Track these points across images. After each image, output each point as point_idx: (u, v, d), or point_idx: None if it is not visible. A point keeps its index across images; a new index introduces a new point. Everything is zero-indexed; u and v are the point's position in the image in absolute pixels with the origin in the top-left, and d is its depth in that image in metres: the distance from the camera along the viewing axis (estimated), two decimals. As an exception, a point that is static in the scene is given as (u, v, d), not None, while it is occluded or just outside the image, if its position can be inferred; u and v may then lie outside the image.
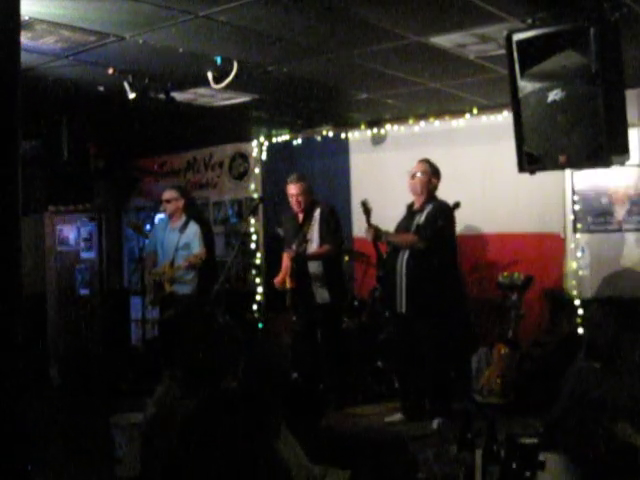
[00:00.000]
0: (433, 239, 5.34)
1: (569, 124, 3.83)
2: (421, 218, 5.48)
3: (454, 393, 5.57)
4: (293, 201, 6.14)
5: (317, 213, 6.05)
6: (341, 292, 6.27)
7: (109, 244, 8.64)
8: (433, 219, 5.42)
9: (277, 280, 6.19)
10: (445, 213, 5.47)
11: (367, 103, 6.45)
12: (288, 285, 6.03)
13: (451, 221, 5.49)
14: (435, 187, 5.62)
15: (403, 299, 5.43)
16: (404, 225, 5.61)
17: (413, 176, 5.60)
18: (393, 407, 5.83)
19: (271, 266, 7.71)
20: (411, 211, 5.64)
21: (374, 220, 5.63)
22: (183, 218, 6.92)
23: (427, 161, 5.68)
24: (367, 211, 5.54)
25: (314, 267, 6.03)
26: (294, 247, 5.94)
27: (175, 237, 6.79)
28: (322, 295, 6.02)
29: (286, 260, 6.19)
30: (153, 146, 8.47)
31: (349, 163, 7.58)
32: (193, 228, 6.83)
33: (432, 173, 5.61)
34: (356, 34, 4.45)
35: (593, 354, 3.31)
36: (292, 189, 6.12)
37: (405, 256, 5.44)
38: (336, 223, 6.12)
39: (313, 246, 6.04)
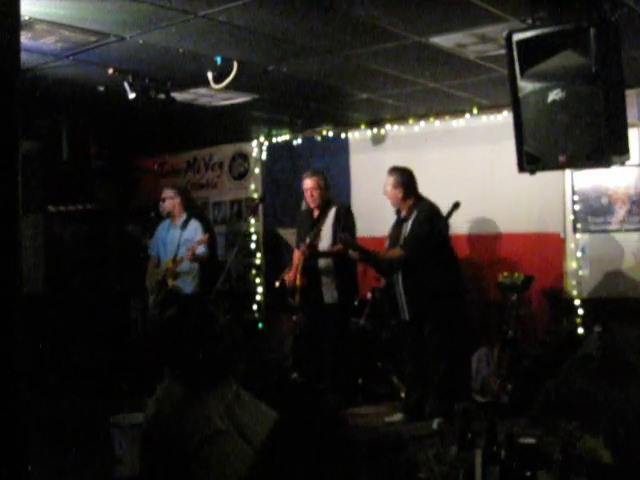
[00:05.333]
0: (419, 249, 5.32)
1: (569, 124, 3.83)
2: (407, 227, 5.47)
3: (454, 393, 5.57)
4: (307, 195, 6.10)
5: (332, 211, 6.02)
6: (351, 292, 6.20)
7: (109, 244, 8.64)
8: (418, 229, 5.40)
9: (289, 276, 6.13)
10: (429, 219, 5.42)
11: (367, 103, 6.45)
12: (298, 283, 5.99)
13: (438, 224, 5.40)
14: (413, 190, 5.56)
15: (405, 307, 5.46)
16: (394, 234, 5.60)
17: (385, 191, 5.60)
18: (393, 407, 5.83)
19: (271, 266, 7.72)
20: (400, 218, 5.63)
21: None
22: (184, 216, 6.98)
23: (394, 170, 5.61)
24: (353, 247, 5.60)
25: (324, 265, 5.98)
26: (307, 241, 5.86)
27: (177, 234, 6.84)
28: (331, 294, 5.98)
29: (297, 257, 6.17)
30: (153, 146, 8.47)
31: (349, 163, 7.58)
32: (194, 224, 6.90)
33: (401, 182, 5.53)
34: (356, 34, 4.45)
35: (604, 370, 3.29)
36: (307, 183, 6.08)
37: (400, 267, 5.46)
38: (352, 223, 6.06)
39: (325, 244, 5.97)
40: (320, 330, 6.08)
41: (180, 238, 6.81)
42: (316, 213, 6.12)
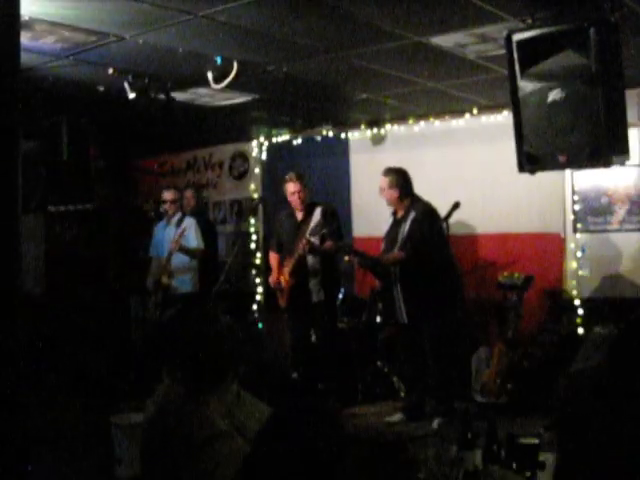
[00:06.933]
0: (418, 250, 5.32)
1: (569, 124, 3.83)
2: (405, 228, 5.45)
3: (454, 393, 5.57)
4: (295, 198, 6.09)
5: (318, 211, 6.02)
6: (336, 291, 6.29)
7: (109, 244, 8.65)
8: (416, 230, 5.37)
9: (272, 280, 6.17)
10: (426, 221, 5.40)
11: (367, 103, 6.45)
12: (284, 283, 6.01)
13: (435, 225, 5.39)
14: (409, 191, 5.53)
15: (403, 310, 5.44)
16: (391, 236, 5.58)
17: (381, 192, 5.59)
18: (393, 407, 5.83)
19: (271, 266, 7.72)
20: (396, 219, 5.61)
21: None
22: (179, 213, 6.97)
23: (389, 171, 5.58)
24: (355, 253, 5.61)
25: (313, 264, 6.00)
26: (307, 235, 5.81)
27: (172, 232, 6.82)
28: (318, 294, 6.01)
29: (274, 261, 6.24)
30: (153, 146, 8.47)
31: (349, 163, 7.58)
32: (188, 221, 6.86)
33: (397, 183, 5.50)
34: (356, 34, 4.45)
35: None
36: (292, 187, 6.08)
37: (397, 268, 5.45)
38: (338, 223, 6.10)
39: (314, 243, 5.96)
40: (309, 328, 6.13)
41: (175, 235, 6.80)
42: (300, 215, 6.12)
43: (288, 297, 6.04)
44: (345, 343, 6.29)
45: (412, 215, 5.44)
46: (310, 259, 5.99)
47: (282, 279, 6.03)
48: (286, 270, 6.01)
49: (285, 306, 6.12)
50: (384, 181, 5.56)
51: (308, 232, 5.82)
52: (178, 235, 6.57)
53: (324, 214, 5.98)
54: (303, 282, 5.99)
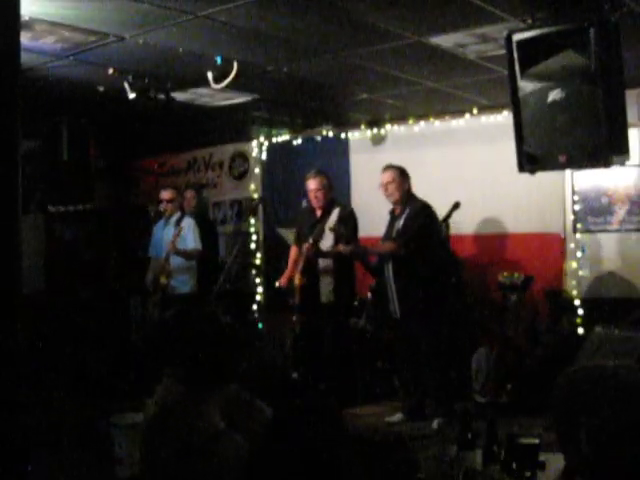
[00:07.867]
0: (411, 243, 5.32)
1: (569, 124, 3.83)
2: (400, 223, 5.48)
3: (454, 393, 5.57)
4: (311, 196, 6.08)
5: (336, 212, 5.97)
6: (348, 294, 6.18)
7: (109, 244, 8.65)
8: (410, 224, 5.40)
9: (282, 281, 6.13)
10: (421, 215, 5.42)
11: (367, 103, 6.46)
12: (297, 282, 5.98)
13: (430, 220, 5.43)
14: (408, 188, 5.57)
15: (396, 305, 5.46)
16: (388, 232, 5.60)
17: (384, 187, 5.59)
18: (393, 407, 5.83)
19: (271, 266, 7.72)
20: (393, 217, 5.63)
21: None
22: (178, 213, 6.97)
23: (391, 167, 5.61)
24: (346, 239, 5.58)
25: (324, 265, 5.94)
26: (311, 240, 5.79)
27: (170, 231, 6.82)
28: (328, 295, 5.96)
29: (294, 254, 6.18)
30: (153, 146, 8.47)
31: (349, 163, 7.58)
32: (187, 221, 6.86)
33: (400, 178, 5.53)
34: (356, 34, 4.46)
35: None
36: (311, 184, 6.07)
37: (390, 263, 5.46)
38: (354, 225, 6.03)
39: (327, 244, 5.90)
40: (317, 330, 6.09)
41: (171, 237, 6.80)
42: (319, 213, 6.10)
43: (299, 296, 6.01)
44: (348, 343, 6.27)
45: (407, 212, 5.47)
46: (321, 260, 5.95)
47: (296, 277, 6.00)
48: (299, 268, 5.99)
49: (297, 304, 6.08)
50: (389, 175, 5.55)
51: (314, 235, 5.80)
52: (174, 236, 6.57)
53: (340, 216, 5.95)
54: (314, 282, 5.95)
